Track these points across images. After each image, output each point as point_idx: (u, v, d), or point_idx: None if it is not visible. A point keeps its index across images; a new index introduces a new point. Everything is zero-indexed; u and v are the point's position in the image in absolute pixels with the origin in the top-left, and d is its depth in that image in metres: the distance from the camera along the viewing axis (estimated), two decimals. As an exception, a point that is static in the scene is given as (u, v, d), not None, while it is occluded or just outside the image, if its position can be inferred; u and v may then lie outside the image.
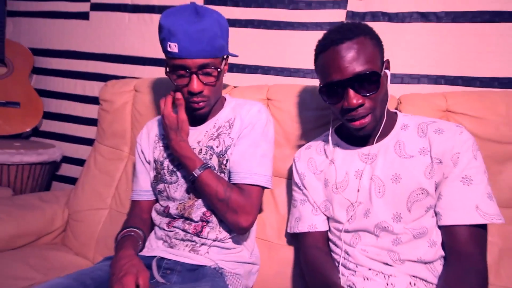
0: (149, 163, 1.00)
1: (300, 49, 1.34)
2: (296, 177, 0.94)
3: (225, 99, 1.01)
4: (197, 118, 0.95)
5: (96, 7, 1.67)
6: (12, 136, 1.71)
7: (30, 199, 1.26)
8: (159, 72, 1.57)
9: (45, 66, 1.81)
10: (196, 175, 0.84)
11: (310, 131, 1.08)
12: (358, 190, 0.82)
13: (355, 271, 0.80)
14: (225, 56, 0.91)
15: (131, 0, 1.60)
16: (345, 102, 0.73)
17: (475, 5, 1.13)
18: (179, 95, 0.86)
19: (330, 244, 0.90)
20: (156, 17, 1.56)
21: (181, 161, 0.87)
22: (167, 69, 0.86)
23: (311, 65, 1.33)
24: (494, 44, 1.11)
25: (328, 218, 0.90)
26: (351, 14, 1.26)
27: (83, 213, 1.26)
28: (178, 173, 0.92)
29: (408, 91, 1.16)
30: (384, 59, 0.78)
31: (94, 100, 1.71)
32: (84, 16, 1.70)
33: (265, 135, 0.92)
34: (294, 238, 1.03)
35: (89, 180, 1.33)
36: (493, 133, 0.90)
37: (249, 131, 0.91)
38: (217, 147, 0.91)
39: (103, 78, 1.68)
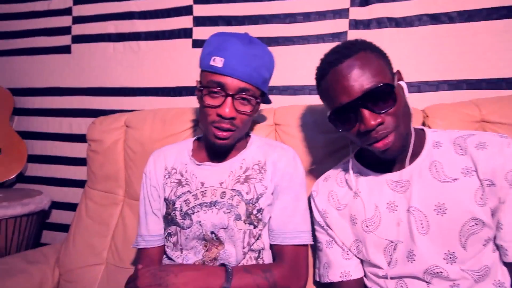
0: (160, 199, 0.86)
1: (302, 65, 1.24)
2: (316, 215, 0.81)
3: (250, 137, 0.90)
4: (217, 152, 0.83)
5: (77, 39, 1.56)
6: (-6, 185, 1.56)
7: (15, 261, 1.09)
8: (150, 103, 1.45)
9: (27, 106, 1.67)
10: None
11: (325, 156, 0.97)
12: (398, 224, 0.68)
13: (407, 327, 0.66)
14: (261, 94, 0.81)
15: (115, 28, 1.49)
16: (361, 125, 0.63)
17: (490, 2, 1.04)
18: (139, 266, 0.72)
19: (369, 291, 0.76)
20: (143, 44, 1.45)
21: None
22: (199, 86, 0.78)
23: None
24: (517, 41, 1.01)
25: (362, 261, 0.77)
26: (354, 23, 1.16)
27: (76, 272, 1.10)
28: (193, 217, 0.78)
29: (428, 100, 1.05)
30: (394, 71, 0.68)
31: (82, 138, 1.57)
32: (65, 49, 1.59)
33: (303, 185, 0.83)
34: (325, 286, 0.88)
35: (80, 231, 1.17)
36: (541, 142, 0.78)
37: (288, 183, 0.81)
38: (247, 193, 0.79)
39: (90, 113, 1.55)
